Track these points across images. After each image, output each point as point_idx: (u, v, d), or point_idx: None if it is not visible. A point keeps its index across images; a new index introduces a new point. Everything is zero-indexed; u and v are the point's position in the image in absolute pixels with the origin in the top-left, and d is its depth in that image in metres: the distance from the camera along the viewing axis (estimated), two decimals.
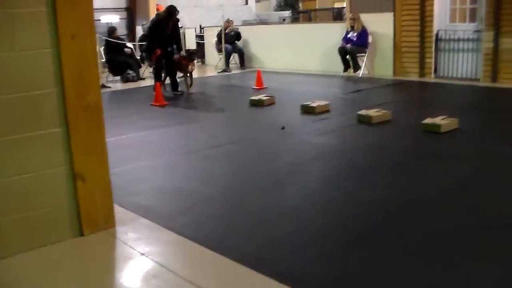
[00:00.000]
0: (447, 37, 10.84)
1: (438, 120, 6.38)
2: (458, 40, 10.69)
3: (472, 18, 10.62)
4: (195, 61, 10.97)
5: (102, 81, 11.59)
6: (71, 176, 3.54)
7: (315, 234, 3.63)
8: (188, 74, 10.47)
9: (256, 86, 10.61)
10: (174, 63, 10.37)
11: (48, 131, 3.41)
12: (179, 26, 11.39)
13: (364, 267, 3.12)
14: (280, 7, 24.02)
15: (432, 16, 10.90)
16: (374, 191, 4.42)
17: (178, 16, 10.58)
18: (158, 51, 10.15)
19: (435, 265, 3.09)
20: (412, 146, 5.87)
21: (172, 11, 10.16)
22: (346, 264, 3.17)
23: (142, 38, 14.15)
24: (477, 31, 10.35)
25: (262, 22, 20.31)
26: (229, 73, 13.93)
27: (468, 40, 10.54)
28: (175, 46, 10.54)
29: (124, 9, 18.08)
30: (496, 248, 3.29)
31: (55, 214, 3.52)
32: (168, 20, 10.11)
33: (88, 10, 3.51)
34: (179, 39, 10.63)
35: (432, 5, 10.85)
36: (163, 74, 10.59)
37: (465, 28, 10.60)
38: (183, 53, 10.51)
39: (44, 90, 3.38)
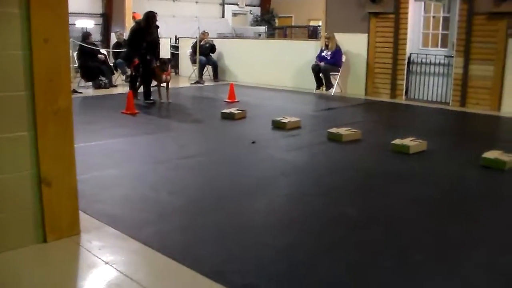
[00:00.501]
0: (419, 60, 11.05)
1: (407, 141, 6.46)
2: (430, 64, 10.90)
3: (444, 44, 10.85)
4: (170, 71, 10.84)
5: (74, 86, 11.47)
6: (36, 181, 3.47)
7: (280, 249, 3.63)
8: (164, 84, 10.39)
9: (228, 99, 10.61)
10: (150, 72, 10.31)
11: (15, 134, 3.35)
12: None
13: (329, 284, 3.13)
14: (256, 22, 24.16)
15: (405, 39, 11.10)
16: (340, 209, 4.44)
17: (157, 24, 10.53)
18: (137, 61, 10.10)
19: (398, 280, 3.12)
20: (380, 166, 5.92)
21: (150, 16, 10.08)
22: (311, 280, 3.17)
23: (115, 46, 14.08)
24: (448, 56, 10.56)
25: (238, 36, 20.39)
26: (202, 84, 13.93)
27: (439, 64, 10.75)
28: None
29: (99, 15, 17.99)
30: (456, 269, 3.33)
31: (18, 218, 3.44)
32: (150, 26, 10.06)
33: (63, 14, 3.48)
34: (158, 47, 10.57)
35: (405, 28, 11.06)
36: (137, 83, 10.55)
37: (437, 53, 10.82)
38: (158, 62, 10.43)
39: (14, 93, 3.32)
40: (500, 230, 4.04)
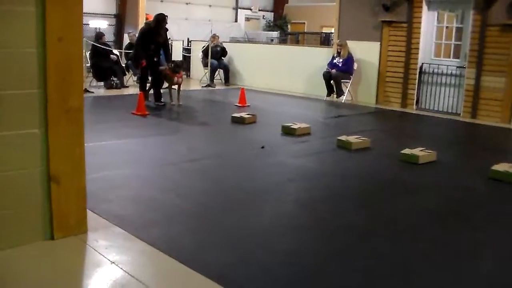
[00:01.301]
0: (431, 70, 11.01)
1: (416, 151, 6.44)
2: (441, 74, 10.86)
3: (456, 54, 10.81)
4: (182, 73, 10.83)
5: (86, 85, 11.52)
6: (46, 178, 3.49)
7: (287, 254, 3.63)
8: (175, 87, 10.42)
9: (239, 104, 10.63)
10: (159, 74, 10.34)
11: (26, 131, 3.38)
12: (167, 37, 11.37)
13: None
14: (269, 28, 24.21)
15: (417, 49, 11.07)
16: (347, 216, 4.44)
17: (166, 27, 10.56)
18: (144, 63, 10.14)
19: None
20: (389, 175, 5.91)
21: (161, 18, 10.10)
22: (316, 287, 3.16)
23: (128, 46, 14.14)
24: (460, 67, 10.53)
25: (250, 40, 20.43)
26: (213, 88, 13.96)
27: (451, 75, 10.72)
28: (162, 57, 10.52)
29: (113, 16, 18.07)
30: (462, 279, 3.31)
31: (27, 215, 3.47)
32: (159, 28, 10.09)
33: (77, 14, 3.50)
34: (168, 49, 10.61)
35: (418, 38, 11.04)
36: (148, 84, 10.58)
37: (449, 64, 10.78)
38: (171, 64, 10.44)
39: (27, 90, 3.34)
40: (507, 242, 4.02)
